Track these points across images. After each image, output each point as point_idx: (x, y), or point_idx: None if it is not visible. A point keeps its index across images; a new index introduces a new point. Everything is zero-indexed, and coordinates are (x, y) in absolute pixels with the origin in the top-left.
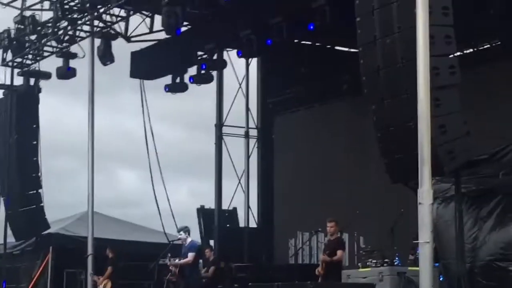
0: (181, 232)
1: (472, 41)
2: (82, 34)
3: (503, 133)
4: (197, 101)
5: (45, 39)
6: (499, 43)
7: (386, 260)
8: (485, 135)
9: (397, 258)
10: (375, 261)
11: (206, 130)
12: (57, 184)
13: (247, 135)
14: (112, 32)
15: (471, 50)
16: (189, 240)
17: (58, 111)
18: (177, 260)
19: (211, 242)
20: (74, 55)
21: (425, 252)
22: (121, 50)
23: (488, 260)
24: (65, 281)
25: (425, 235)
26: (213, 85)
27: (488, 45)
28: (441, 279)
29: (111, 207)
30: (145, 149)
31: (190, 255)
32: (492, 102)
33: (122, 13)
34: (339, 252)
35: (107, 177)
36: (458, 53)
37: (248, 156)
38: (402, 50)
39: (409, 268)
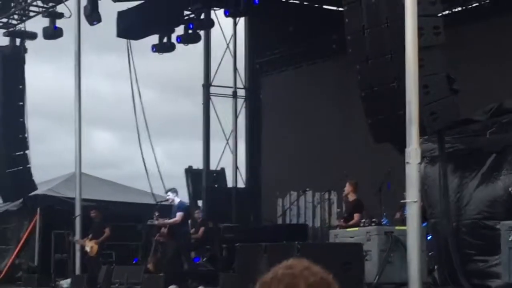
0: (169, 193)
1: None
2: None
3: (491, 92)
4: (183, 62)
5: None
6: (487, 0)
7: (373, 219)
8: (472, 95)
9: (384, 218)
10: (363, 220)
11: (192, 91)
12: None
13: (234, 95)
14: None
15: (460, 8)
16: (177, 200)
17: (42, 73)
18: (166, 220)
19: (199, 203)
20: (60, 15)
21: (412, 211)
22: (108, 10)
23: (475, 219)
24: (53, 242)
25: (412, 194)
26: (200, 45)
27: (477, 3)
28: (429, 238)
29: (88, 168)
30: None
31: (178, 215)
32: (480, 61)
33: None
34: (356, 216)
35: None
36: (447, 12)
37: (236, 116)
38: (387, 11)
39: (397, 227)
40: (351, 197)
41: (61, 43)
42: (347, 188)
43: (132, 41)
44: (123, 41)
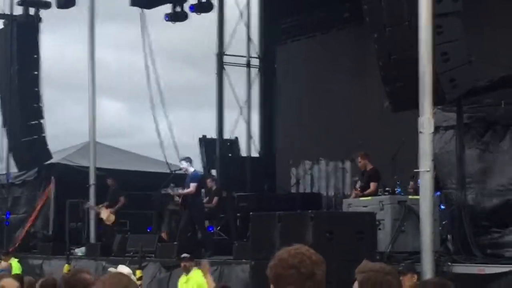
0: (183, 162)
1: None
2: None
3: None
4: (196, 32)
5: None
6: None
7: (387, 189)
8: (491, 62)
9: (398, 187)
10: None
11: (205, 61)
12: None
13: (248, 64)
14: None
15: None
16: (191, 170)
17: (50, 42)
18: (180, 190)
19: (213, 172)
20: None
21: (425, 180)
22: None
23: (492, 190)
24: (67, 211)
25: (425, 164)
26: (213, 14)
27: None
28: (442, 207)
29: (98, 137)
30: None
31: (192, 185)
32: (500, 28)
33: None
34: (372, 185)
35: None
36: None
37: (249, 85)
38: None
39: (410, 196)
40: (368, 166)
41: (71, 13)
42: (361, 161)
43: (145, 10)
44: (134, 10)
